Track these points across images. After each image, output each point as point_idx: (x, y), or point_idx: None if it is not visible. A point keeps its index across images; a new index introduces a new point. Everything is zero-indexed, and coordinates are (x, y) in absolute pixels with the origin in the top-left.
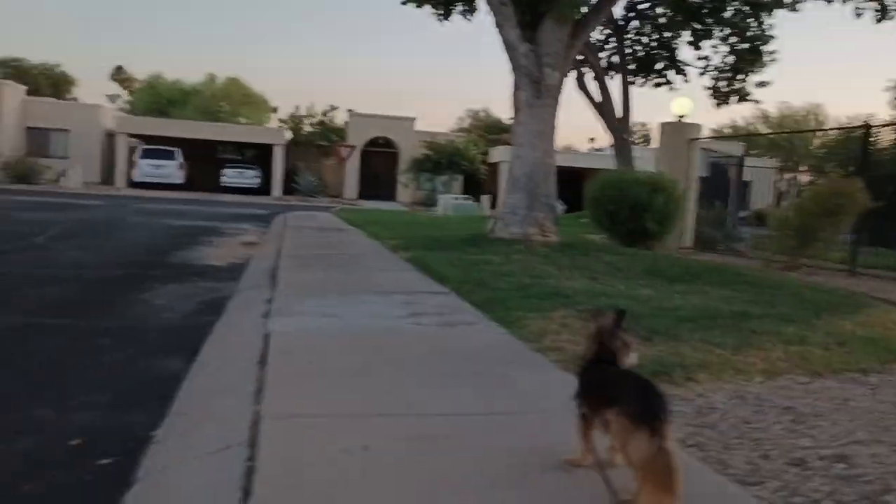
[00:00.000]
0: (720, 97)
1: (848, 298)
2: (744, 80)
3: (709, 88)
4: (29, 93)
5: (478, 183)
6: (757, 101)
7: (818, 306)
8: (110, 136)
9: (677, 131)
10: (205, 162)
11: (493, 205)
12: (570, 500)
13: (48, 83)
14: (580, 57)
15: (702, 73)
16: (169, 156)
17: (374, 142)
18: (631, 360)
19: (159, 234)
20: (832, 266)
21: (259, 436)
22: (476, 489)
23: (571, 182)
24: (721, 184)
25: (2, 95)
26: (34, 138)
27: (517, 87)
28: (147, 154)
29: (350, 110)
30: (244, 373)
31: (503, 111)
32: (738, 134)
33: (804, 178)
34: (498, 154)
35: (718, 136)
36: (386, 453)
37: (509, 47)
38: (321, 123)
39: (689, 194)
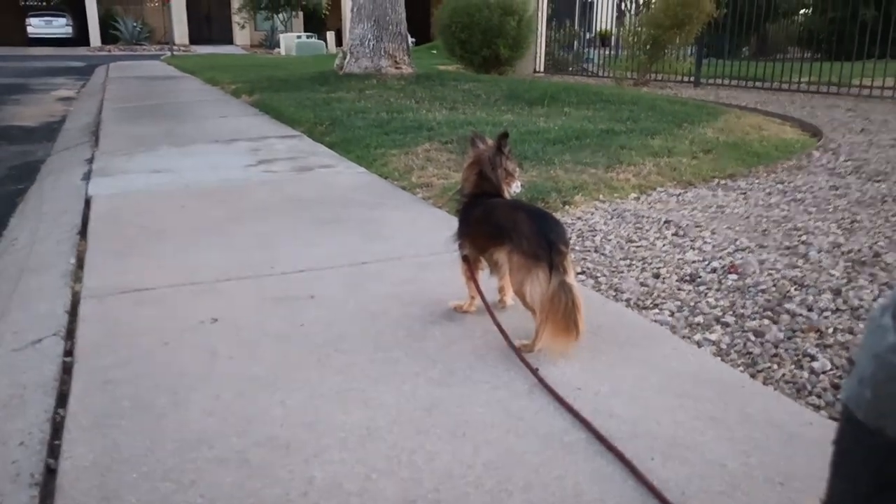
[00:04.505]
0: None
1: (702, 107)
2: None
3: None
4: None
5: (320, 19)
6: None
7: (677, 117)
8: None
9: None
10: (4, 11)
11: (340, 41)
12: (462, 352)
13: None
14: None
15: None
16: None
17: None
18: (515, 189)
19: None
20: (678, 79)
21: (79, 322)
22: (355, 352)
23: (418, 11)
24: (567, 5)
25: None
26: None
27: None
28: None
29: None
30: (61, 246)
31: None
32: None
33: None
34: None
35: None
36: (242, 325)
37: None
38: None
39: (539, 16)
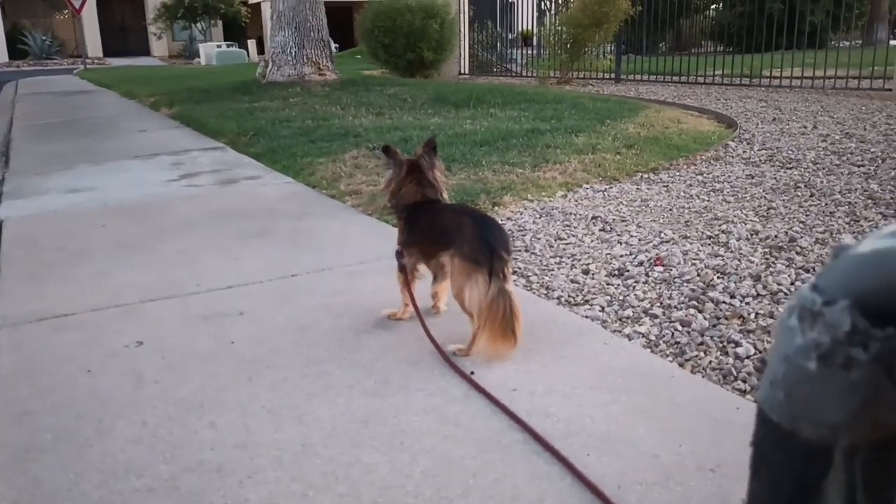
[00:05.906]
0: None
1: (623, 103)
2: None
3: None
4: None
5: (240, 28)
6: None
7: (600, 114)
8: None
9: None
10: None
11: (261, 50)
12: (396, 361)
13: None
14: None
15: None
16: None
17: None
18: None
19: None
20: (599, 76)
21: None
22: (287, 367)
23: (340, 16)
24: (489, 6)
25: None
26: None
27: None
28: None
29: None
30: None
31: None
32: None
33: None
34: None
35: None
36: (168, 346)
37: None
38: None
39: (462, 18)
